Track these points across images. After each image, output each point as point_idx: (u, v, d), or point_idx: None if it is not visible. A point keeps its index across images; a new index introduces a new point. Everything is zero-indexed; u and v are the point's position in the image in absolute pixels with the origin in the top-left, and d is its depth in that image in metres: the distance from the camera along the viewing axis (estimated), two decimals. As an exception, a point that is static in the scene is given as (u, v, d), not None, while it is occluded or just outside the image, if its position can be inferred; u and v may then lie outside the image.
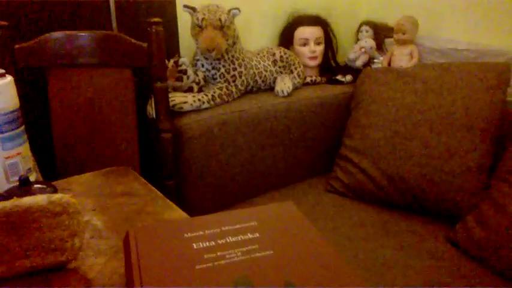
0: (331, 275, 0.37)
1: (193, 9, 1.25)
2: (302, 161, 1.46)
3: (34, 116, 1.16)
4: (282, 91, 1.37)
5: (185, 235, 0.42)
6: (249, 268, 0.38)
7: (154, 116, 1.15)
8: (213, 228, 0.43)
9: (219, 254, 0.39)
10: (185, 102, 1.20)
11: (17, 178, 0.69)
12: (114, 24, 1.19)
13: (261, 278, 0.36)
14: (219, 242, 0.41)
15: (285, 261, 0.38)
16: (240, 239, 0.42)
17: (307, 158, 1.47)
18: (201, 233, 0.43)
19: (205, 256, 0.39)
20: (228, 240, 0.41)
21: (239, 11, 1.27)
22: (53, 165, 1.10)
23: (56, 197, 0.46)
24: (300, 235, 0.42)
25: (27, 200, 0.45)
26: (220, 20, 1.22)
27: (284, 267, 0.38)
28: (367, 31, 1.59)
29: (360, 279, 0.36)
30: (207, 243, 0.41)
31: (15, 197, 0.51)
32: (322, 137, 1.47)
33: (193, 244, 0.41)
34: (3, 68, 0.69)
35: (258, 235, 0.42)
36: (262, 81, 1.41)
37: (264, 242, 0.41)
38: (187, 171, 1.22)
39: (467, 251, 1.04)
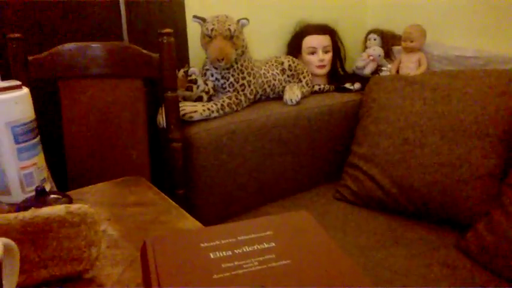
0: (347, 284, 0.37)
1: (203, 19, 1.27)
2: (311, 169, 1.46)
3: (45, 127, 1.17)
4: (291, 100, 1.38)
5: (201, 245, 0.43)
6: (267, 278, 0.38)
7: (164, 126, 1.16)
8: (229, 238, 0.44)
9: (236, 263, 0.40)
10: (195, 112, 1.21)
11: (32, 188, 0.71)
12: (125, 35, 1.21)
13: (279, 287, 0.37)
14: (236, 251, 0.42)
15: (303, 271, 0.39)
16: (256, 248, 0.42)
17: (315, 166, 1.47)
18: (217, 242, 0.43)
19: (222, 265, 0.40)
20: (244, 250, 0.42)
21: (248, 21, 1.28)
22: (64, 175, 1.11)
23: (74, 207, 0.47)
24: (316, 244, 0.43)
25: (45, 210, 0.46)
26: (229, 30, 1.24)
27: (302, 277, 0.38)
28: (374, 39, 1.59)
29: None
30: (224, 253, 0.41)
31: (32, 208, 0.52)
32: (331, 145, 1.48)
33: (210, 254, 0.41)
34: (16, 80, 0.70)
35: (274, 244, 0.43)
36: (271, 90, 1.42)
37: (280, 252, 0.42)
38: (196, 180, 1.22)
39: (478, 259, 1.03)
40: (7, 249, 0.38)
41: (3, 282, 0.36)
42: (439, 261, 1.04)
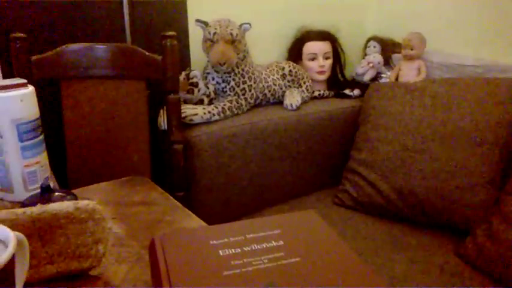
0: (358, 282, 0.37)
1: (205, 23, 1.28)
2: (310, 174, 1.46)
3: (46, 127, 1.17)
4: (291, 105, 1.38)
5: (211, 242, 0.43)
6: (277, 275, 0.38)
7: (165, 128, 1.16)
8: (238, 236, 0.44)
9: (245, 260, 0.40)
10: (196, 115, 1.22)
11: (35, 186, 0.70)
12: (128, 36, 1.21)
13: (289, 284, 0.37)
14: (245, 249, 0.42)
15: (312, 269, 0.39)
16: (265, 246, 0.42)
17: (315, 171, 1.47)
18: (226, 240, 0.43)
19: (232, 263, 0.40)
20: (253, 248, 0.42)
21: (250, 25, 1.29)
22: (64, 176, 1.11)
23: (83, 203, 0.47)
24: (324, 243, 0.43)
25: (53, 206, 0.46)
26: (231, 34, 1.24)
27: (311, 275, 0.38)
28: (374, 46, 1.61)
29: (386, 286, 0.37)
30: (233, 250, 0.42)
31: (39, 204, 0.52)
32: (331, 151, 1.48)
33: (220, 251, 0.42)
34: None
35: (282, 243, 0.43)
36: (272, 95, 1.43)
37: (289, 250, 0.42)
38: (196, 183, 1.22)
39: (477, 265, 1.03)
40: (19, 243, 0.38)
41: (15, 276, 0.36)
42: (438, 267, 1.04)
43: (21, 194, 0.68)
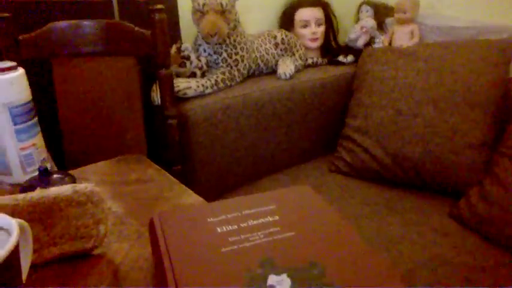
0: (354, 254, 0.39)
1: (194, -6, 1.25)
2: (305, 142, 1.47)
3: (39, 107, 1.16)
4: (285, 74, 1.38)
5: (208, 219, 0.44)
6: (273, 249, 0.39)
7: (159, 103, 1.16)
8: (234, 213, 0.45)
9: (242, 236, 0.41)
10: (189, 88, 1.21)
11: (32, 169, 0.71)
12: (116, 13, 1.19)
13: (285, 258, 0.38)
14: (242, 225, 0.43)
15: (307, 242, 0.40)
16: (261, 222, 0.44)
17: (310, 139, 1.48)
18: (223, 217, 0.44)
19: (229, 239, 0.41)
20: (249, 224, 0.43)
21: (240, -6, 1.27)
22: (61, 154, 1.11)
23: (80, 186, 0.47)
24: (319, 217, 0.44)
25: (52, 191, 0.47)
26: (221, 4, 1.22)
27: (307, 248, 0.39)
28: (367, 11, 1.59)
29: (383, 259, 0.38)
30: (230, 227, 0.43)
31: (38, 188, 0.53)
32: (325, 118, 1.49)
33: (217, 228, 0.43)
34: (8, 60, 0.70)
35: (277, 218, 0.44)
36: (264, 65, 1.42)
37: (284, 224, 0.43)
38: (192, 156, 1.23)
39: (470, 226, 1.06)
40: (21, 229, 0.39)
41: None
42: (432, 228, 1.07)
43: (20, 177, 0.69)
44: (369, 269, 0.37)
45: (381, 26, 1.59)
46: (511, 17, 1.33)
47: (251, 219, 0.44)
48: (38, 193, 0.46)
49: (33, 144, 0.71)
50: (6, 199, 0.45)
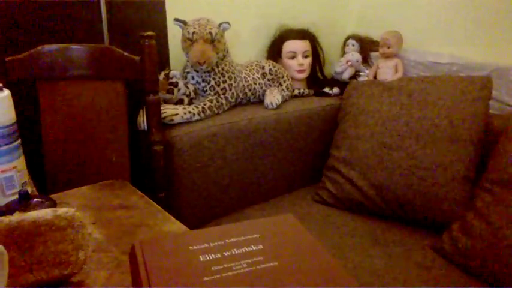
0: (335, 285, 0.38)
1: (184, 22, 1.27)
2: (291, 172, 1.48)
3: (22, 129, 1.15)
4: (271, 103, 1.39)
5: (190, 247, 0.44)
6: (256, 279, 0.39)
7: (145, 128, 1.15)
8: (218, 241, 0.45)
9: (225, 265, 0.41)
10: (176, 115, 1.21)
11: (12, 192, 0.70)
12: (106, 37, 1.20)
13: (268, 288, 0.38)
14: (225, 254, 0.42)
15: (291, 272, 0.40)
16: (244, 250, 0.43)
17: (296, 169, 1.49)
18: (206, 245, 0.44)
19: (212, 268, 0.40)
20: (233, 252, 0.43)
21: (229, 24, 1.29)
22: (42, 178, 1.09)
23: (62, 211, 0.46)
24: (302, 247, 0.44)
25: (32, 214, 0.46)
26: (210, 33, 1.24)
27: (290, 278, 0.39)
28: (353, 45, 1.63)
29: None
30: (213, 256, 0.42)
31: (17, 211, 0.51)
32: (311, 149, 1.50)
33: (200, 256, 0.42)
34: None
35: (261, 247, 0.44)
36: (252, 94, 1.43)
37: (268, 254, 0.43)
38: (177, 183, 1.22)
39: (453, 260, 1.06)
40: (-3, 253, 0.37)
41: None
42: (416, 262, 1.07)
43: (-1, 200, 0.67)
44: (353, 302, 0.37)
45: (366, 60, 1.63)
46: (491, 54, 1.38)
47: (235, 248, 0.43)
48: (17, 217, 0.45)
49: (15, 167, 0.69)
50: (-16, 222, 0.44)
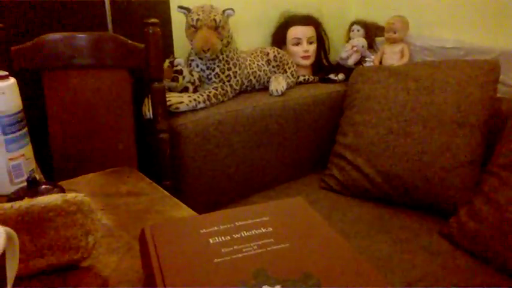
0: (346, 266, 0.38)
1: (188, 9, 1.26)
2: (297, 159, 1.47)
3: (31, 118, 1.15)
4: (277, 90, 1.38)
5: (200, 231, 0.44)
6: (267, 260, 0.39)
7: (151, 117, 1.15)
8: (227, 224, 0.45)
9: (235, 247, 0.41)
10: (181, 103, 1.21)
11: (20, 180, 0.70)
12: (110, 25, 1.19)
13: (279, 269, 0.38)
14: (235, 236, 0.42)
15: (301, 254, 0.40)
16: (254, 233, 0.43)
17: (302, 156, 1.48)
18: (215, 228, 0.44)
19: (222, 250, 0.40)
20: (243, 235, 0.43)
21: (233, 11, 1.28)
22: (49, 167, 1.09)
23: (71, 196, 0.46)
24: (312, 228, 0.44)
25: (42, 200, 0.46)
26: (214, 20, 1.23)
27: (301, 259, 0.39)
28: (358, 30, 1.61)
29: (375, 270, 0.38)
30: (223, 238, 0.42)
31: (26, 198, 0.51)
32: (316, 135, 1.49)
33: (210, 239, 0.42)
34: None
35: (271, 229, 0.44)
36: (257, 81, 1.43)
37: (278, 236, 0.43)
38: (183, 171, 1.22)
39: (460, 244, 1.06)
40: (8, 238, 0.38)
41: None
42: (423, 247, 1.07)
43: (7, 188, 0.68)
44: (364, 281, 0.37)
45: (371, 45, 1.62)
46: (497, 39, 1.36)
47: (244, 231, 0.43)
48: (26, 202, 0.45)
49: (22, 155, 0.70)
50: (-6, 208, 0.44)
